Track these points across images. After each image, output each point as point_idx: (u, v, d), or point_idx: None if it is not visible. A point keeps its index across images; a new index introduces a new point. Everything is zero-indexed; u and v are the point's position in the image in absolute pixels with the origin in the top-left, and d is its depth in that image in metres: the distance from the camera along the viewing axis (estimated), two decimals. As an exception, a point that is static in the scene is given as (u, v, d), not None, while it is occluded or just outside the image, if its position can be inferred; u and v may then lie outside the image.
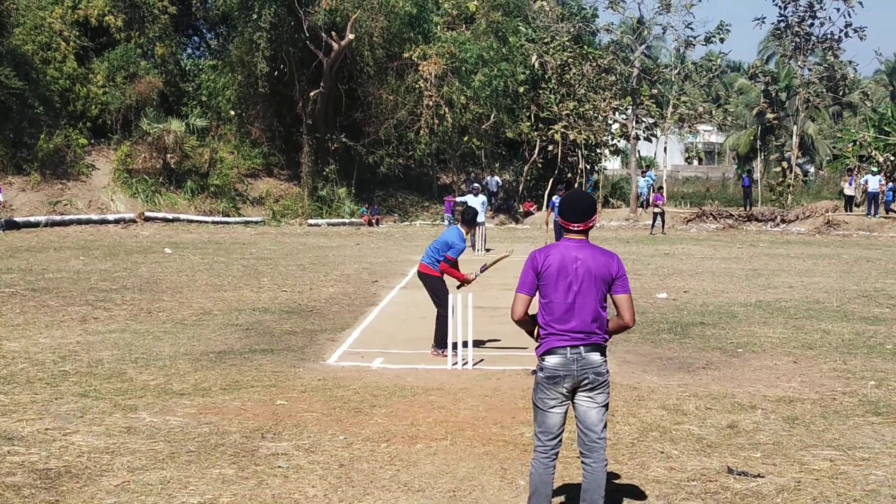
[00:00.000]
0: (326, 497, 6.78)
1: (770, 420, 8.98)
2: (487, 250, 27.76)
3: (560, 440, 6.09)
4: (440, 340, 12.06)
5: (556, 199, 25.02)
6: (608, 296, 6.09)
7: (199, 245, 29.11)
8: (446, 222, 27.55)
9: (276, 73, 40.55)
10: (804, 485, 7.11)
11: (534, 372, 6.23)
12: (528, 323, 6.19)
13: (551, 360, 5.98)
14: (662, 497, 6.85)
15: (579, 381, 5.94)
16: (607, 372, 6.03)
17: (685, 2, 43.92)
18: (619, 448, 8.00)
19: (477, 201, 27.14)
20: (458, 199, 31.65)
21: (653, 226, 38.07)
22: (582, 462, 6.09)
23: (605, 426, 6.05)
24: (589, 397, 5.98)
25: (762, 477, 7.26)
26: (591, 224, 6.10)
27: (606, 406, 6.06)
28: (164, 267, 22.47)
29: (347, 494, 6.83)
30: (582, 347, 5.94)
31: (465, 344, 11.62)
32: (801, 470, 7.46)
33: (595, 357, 5.95)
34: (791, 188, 46.05)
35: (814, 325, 14.74)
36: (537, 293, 6.09)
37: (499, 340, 13.06)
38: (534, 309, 6.14)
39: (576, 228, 6.06)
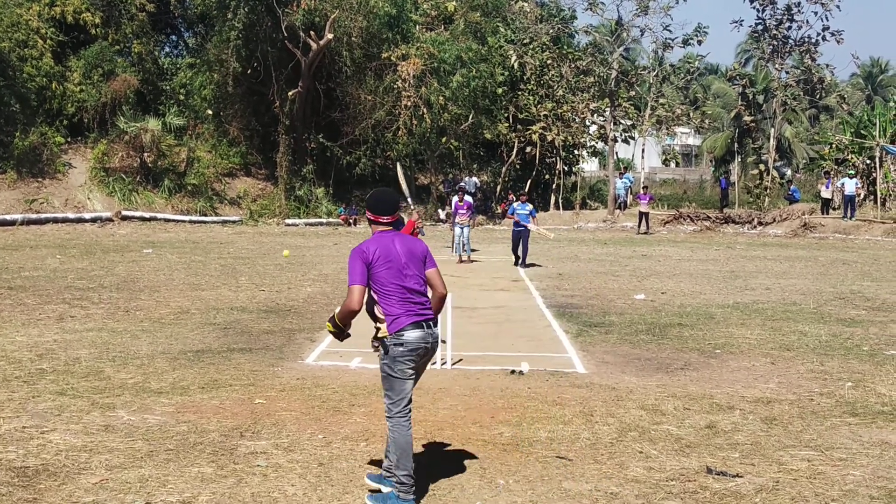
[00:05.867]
0: (306, 495, 6.76)
1: (748, 420, 9.01)
2: (473, 250, 27.61)
3: (411, 400, 6.78)
4: None
5: (516, 204, 24.78)
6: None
7: (177, 244, 29.00)
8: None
9: (249, 72, 40.34)
10: (782, 485, 7.14)
11: (381, 350, 6.72)
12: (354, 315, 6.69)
13: (413, 334, 6.59)
14: (642, 497, 6.86)
15: (429, 351, 6.75)
16: None
17: (663, 4, 44.11)
18: (598, 448, 8.03)
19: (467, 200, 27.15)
20: (446, 211, 31.22)
21: (639, 225, 38.29)
22: None
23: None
24: (423, 364, 6.83)
25: (741, 477, 7.29)
26: (396, 217, 6.95)
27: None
28: (141, 266, 22.38)
29: (327, 493, 6.82)
30: (431, 322, 6.73)
31: (443, 341, 11.61)
32: (779, 470, 7.50)
33: (437, 330, 6.81)
34: (768, 191, 46.28)
35: (791, 326, 14.82)
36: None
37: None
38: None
39: (385, 221, 6.85)
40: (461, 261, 25.29)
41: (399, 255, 6.68)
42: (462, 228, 25.61)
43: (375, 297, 6.69)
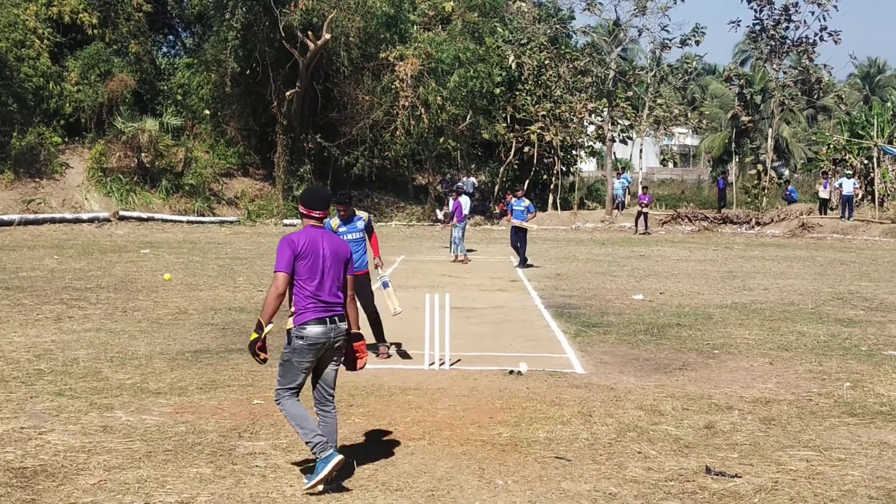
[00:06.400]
0: (304, 496, 6.75)
1: (747, 421, 9.01)
2: (469, 251, 27.57)
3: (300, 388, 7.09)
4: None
5: (513, 201, 24.72)
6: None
7: (175, 244, 28.98)
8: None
9: (247, 72, 40.28)
10: (781, 485, 7.14)
11: (286, 339, 7.06)
12: (281, 299, 6.98)
13: (315, 329, 6.90)
14: (640, 497, 6.86)
15: (332, 345, 6.98)
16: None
17: (661, 4, 44.12)
18: (596, 448, 8.02)
19: (465, 200, 27.13)
20: (443, 211, 31.04)
21: (636, 225, 38.29)
22: (320, 411, 7.13)
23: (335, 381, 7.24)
24: (333, 360, 7.09)
25: (739, 477, 7.29)
26: (327, 213, 7.30)
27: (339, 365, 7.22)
28: (139, 266, 22.35)
29: (325, 493, 6.81)
30: (336, 318, 7.00)
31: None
32: (778, 470, 7.50)
33: (343, 325, 7.07)
34: (766, 191, 46.29)
35: (789, 326, 14.82)
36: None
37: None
38: None
39: (316, 216, 7.12)
40: (456, 259, 25.31)
41: (324, 253, 6.97)
42: (456, 228, 25.62)
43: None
